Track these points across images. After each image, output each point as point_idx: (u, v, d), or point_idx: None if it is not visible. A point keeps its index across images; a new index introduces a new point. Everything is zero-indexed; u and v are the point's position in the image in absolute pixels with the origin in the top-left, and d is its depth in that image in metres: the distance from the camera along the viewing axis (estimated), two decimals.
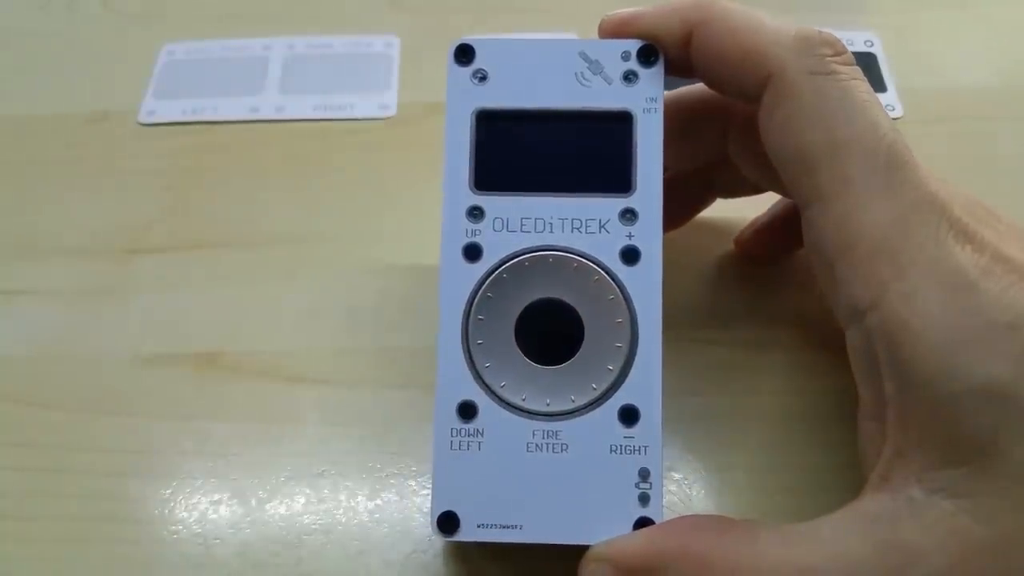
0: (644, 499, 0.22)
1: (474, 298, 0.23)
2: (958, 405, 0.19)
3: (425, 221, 0.32)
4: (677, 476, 0.26)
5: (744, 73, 0.23)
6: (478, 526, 0.22)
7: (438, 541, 0.25)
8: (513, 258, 0.23)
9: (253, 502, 0.26)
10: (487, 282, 0.23)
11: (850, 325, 0.22)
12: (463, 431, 0.23)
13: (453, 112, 0.24)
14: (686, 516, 0.22)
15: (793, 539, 0.20)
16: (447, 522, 0.22)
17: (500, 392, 0.23)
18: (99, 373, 0.29)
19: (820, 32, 0.22)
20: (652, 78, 0.24)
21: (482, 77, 0.24)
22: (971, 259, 0.20)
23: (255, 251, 0.32)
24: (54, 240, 0.33)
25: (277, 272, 0.31)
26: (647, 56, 0.24)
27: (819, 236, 0.22)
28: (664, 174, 0.23)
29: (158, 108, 0.37)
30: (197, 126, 0.36)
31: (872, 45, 0.38)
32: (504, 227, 0.23)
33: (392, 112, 0.36)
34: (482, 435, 0.23)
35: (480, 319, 0.23)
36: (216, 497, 0.26)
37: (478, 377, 0.23)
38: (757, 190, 0.29)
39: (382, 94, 0.37)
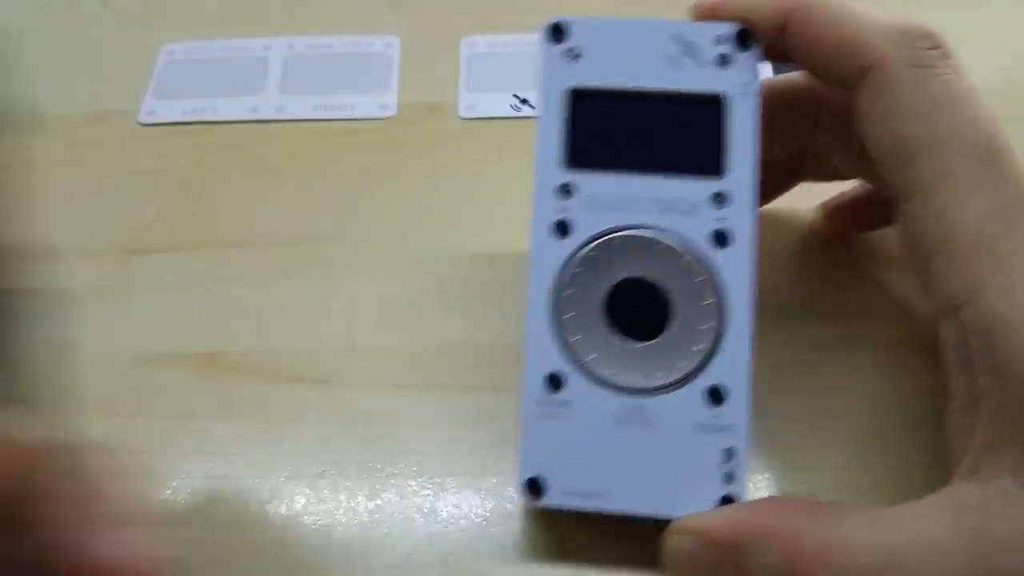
0: (729, 477, 0.22)
1: (563, 273, 0.23)
2: None
3: (424, 221, 0.32)
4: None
5: (842, 63, 0.23)
6: (564, 492, 0.22)
7: (438, 542, 0.25)
8: (603, 236, 0.23)
9: (253, 502, 0.26)
10: (576, 257, 0.23)
11: (945, 318, 0.22)
12: (551, 401, 0.23)
13: (546, 89, 0.24)
14: (772, 496, 0.23)
15: (880, 522, 0.20)
16: (534, 487, 0.23)
17: (589, 365, 0.23)
18: (99, 373, 0.29)
19: (920, 24, 0.23)
20: (747, 62, 0.24)
21: (576, 55, 0.24)
22: None
23: (255, 251, 0.32)
24: (53, 240, 0.33)
25: (277, 272, 0.31)
26: (743, 40, 0.24)
27: (917, 229, 0.22)
28: None
29: (158, 108, 0.37)
30: (197, 126, 0.36)
31: None
32: (594, 205, 0.24)
33: (392, 112, 0.36)
34: (570, 406, 0.23)
35: (569, 293, 0.23)
36: (216, 497, 0.26)
37: (567, 349, 0.23)
38: (844, 176, 0.29)
39: (382, 94, 0.37)
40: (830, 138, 0.26)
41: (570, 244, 0.24)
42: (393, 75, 0.38)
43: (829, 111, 0.26)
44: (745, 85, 0.24)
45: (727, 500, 0.22)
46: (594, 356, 0.23)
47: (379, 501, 0.26)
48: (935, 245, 0.21)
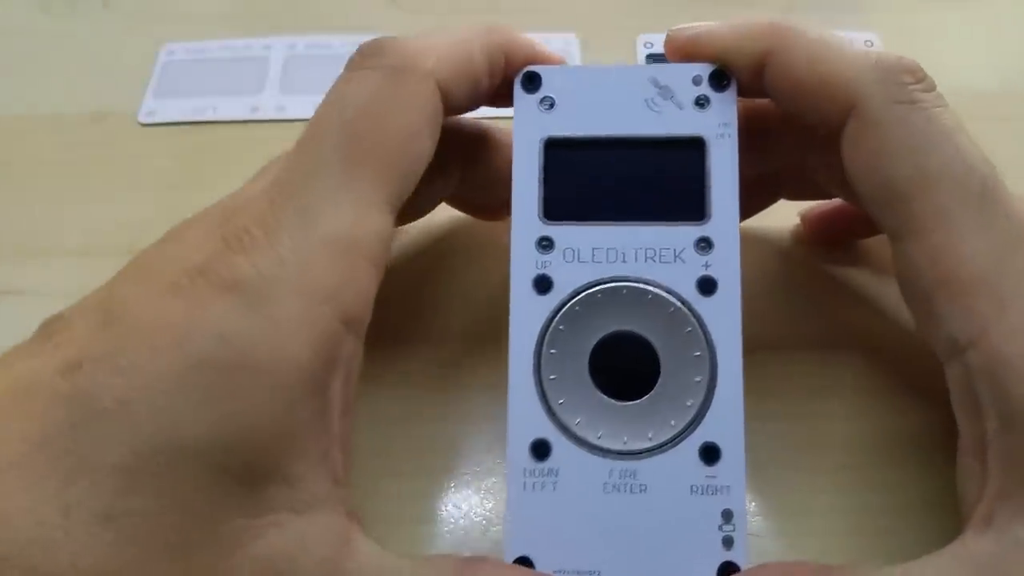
0: (728, 542, 0.21)
1: (545, 332, 0.22)
2: None
3: (423, 220, 0.32)
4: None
5: (825, 103, 0.22)
6: (555, 572, 0.21)
7: (438, 542, 0.25)
8: (585, 290, 0.22)
9: None
10: (559, 315, 0.22)
11: (949, 360, 0.21)
12: (537, 471, 0.22)
13: (521, 140, 0.24)
14: (777, 563, 0.21)
15: None
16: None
17: (575, 430, 0.22)
18: None
19: (901, 58, 0.22)
20: (724, 102, 0.23)
21: (550, 105, 0.24)
22: None
23: None
24: (54, 240, 0.33)
25: None
26: (719, 80, 0.23)
27: (913, 270, 0.21)
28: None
29: (158, 108, 0.37)
30: (197, 126, 0.36)
31: (872, 45, 0.38)
32: (575, 258, 0.23)
33: None
34: (556, 475, 0.22)
35: (552, 353, 0.22)
36: None
37: (551, 414, 0.22)
38: (826, 195, 0.28)
39: None
40: (820, 163, 0.26)
41: (552, 300, 0.22)
42: None
43: (818, 137, 0.25)
44: (724, 126, 0.23)
45: (727, 567, 0.21)
46: (580, 419, 0.22)
47: (379, 502, 0.26)
48: (934, 287, 0.21)
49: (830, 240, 0.30)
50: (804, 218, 0.30)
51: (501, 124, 0.26)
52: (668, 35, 0.24)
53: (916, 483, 0.25)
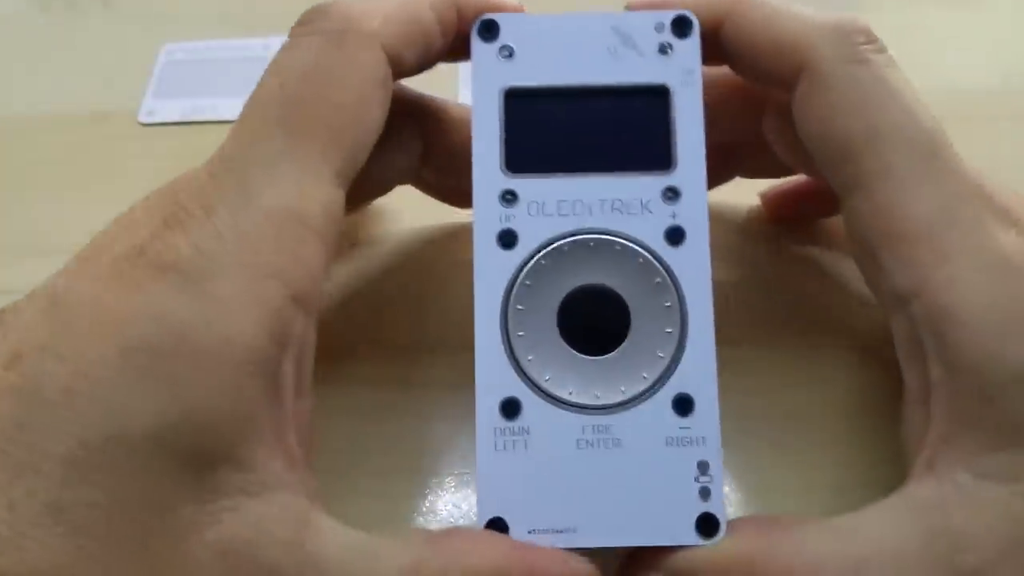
0: (705, 493, 0.21)
1: (512, 288, 0.22)
2: (1006, 390, 0.19)
3: (422, 220, 0.32)
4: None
5: (778, 62, 0.22)
6: (529, 532, 0.21)
7: None
8: (551, 243, 0.22)
9: None
10: (525, 270, 0.22)
11: (894, 313, 0.22)
12: (507, 430, 0.21)
13: (479, 91, 0.23)
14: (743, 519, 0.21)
15: (842, 532, 0.20)
16: (495, 528, 0.21)
17: (545, 386, 0.21)
18: None
19: (855, 19, 0.22)
20: (687, 49, 0.23)
21: (509, 53, 0.23)
22: (1016, 245, 0.20)
23: None
24: (54, 240, 0.33)
25: None
26: (682, 27, 0.23)
27: (861, 225, 0.22)
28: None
29: (158, 108, 0.37)
30: (197, 126, 0.36)
31: None
32: (540, 211, 0.22)
33: None
34: (528, 433, 0.21)
35: (519, 309, 0.22)
36: None
37: (520, 371, 0.21)
38: (781, 173, 0.28)
39: None
40: (775, 131, 0.26)
41: (517, 255, 0.22)
42: None
43: (773, 104, 0.25)
44: (688, 73, 0.23)
45: (706, 519, 0.21)
46: (550, 376, 0.21)
47: (377, 501, 0.26)
48: (880, 240, 0.21)
49: (790, 218, 0.30)
50: (763, 197, 0.30)
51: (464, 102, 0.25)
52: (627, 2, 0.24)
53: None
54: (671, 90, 0.23)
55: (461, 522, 0.25)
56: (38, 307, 0.19)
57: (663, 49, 0.23)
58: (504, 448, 0.21)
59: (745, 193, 0.31)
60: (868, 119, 0.21)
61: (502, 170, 0.22)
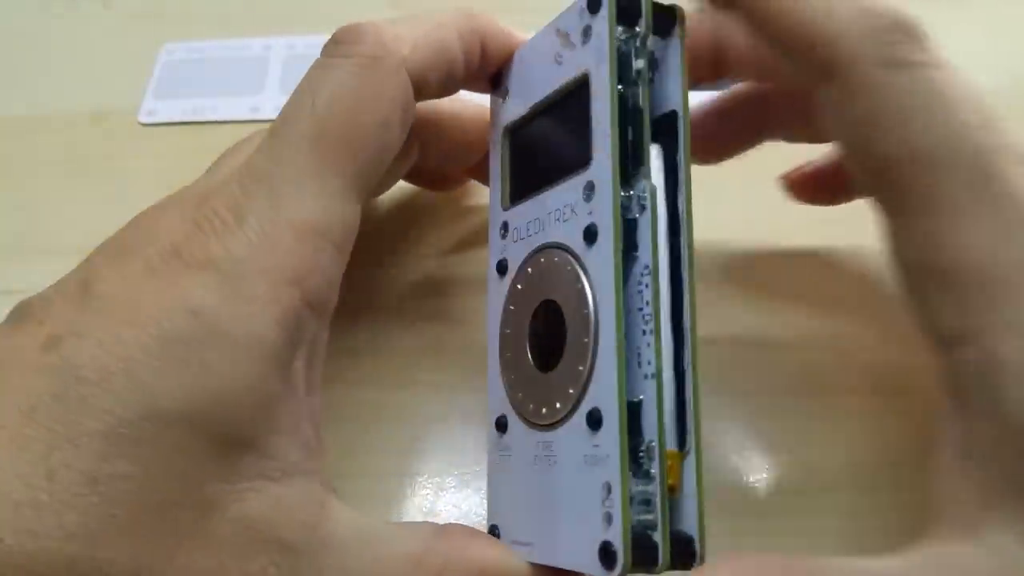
0: (608, 519, 0.18)
1: (505, 313, 0.23)
2: None
3: (421, 218, 0.32)
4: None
5: (803, 58, 0.20)
6: (512, 542, 0.21)
7: None
8: (524, 267, 0.22)
9: None
10: (508, 295, 0.23)
11: (939, 351, 0.20)
12: (500, 445, 0.22)
13: (494, 136, 0.24)
14: (739, 554, 0.19)
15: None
16: (494, 535, 0.22)
17: (518, 405, 0.22)
18: None
19: (895, 12, 0.19)
20: (600, 24, 0.20)
21: (505, 94, 0.24)
22: None
23: None
24: (54, 240, 0.33)
25: None
26: (593, 2, 0.20)
27: (903, 250, 0.20)
28: (731, 85, 0.21)
29: (158, 108, 0.37)
30: (197, 126, 0.36)
31: None
32: (518, 236, 0.23)
33: None
34: (510, 449, 0.22)
35: (507, 332, 0.23)
36: None
37: (507, 391, 0.22)
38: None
39: None
40: (782, 137, 0.25)
41: (507, 282, 0.23)
42: None
43: (779, 114, 0.24)
44: (598, 50, 0.20)
45: (605, 548, 0.18)
46: (521, 394, 0.22)
47: (378, 500, 0.26)
48: (927, 273, 0.19)
49: (815, 201, 0.29)
50: (787, 179, 0.29)
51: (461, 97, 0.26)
52: None
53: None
54: (590, 76, 0.20)
55: (461, 522, 0.25)
56: (70, 298, 0.20)
57: (586, 33, 0.21)
58: (499, 462, 0.22)
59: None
60: (909, 139, 0.19)
61: (502, 205, 0.24)
